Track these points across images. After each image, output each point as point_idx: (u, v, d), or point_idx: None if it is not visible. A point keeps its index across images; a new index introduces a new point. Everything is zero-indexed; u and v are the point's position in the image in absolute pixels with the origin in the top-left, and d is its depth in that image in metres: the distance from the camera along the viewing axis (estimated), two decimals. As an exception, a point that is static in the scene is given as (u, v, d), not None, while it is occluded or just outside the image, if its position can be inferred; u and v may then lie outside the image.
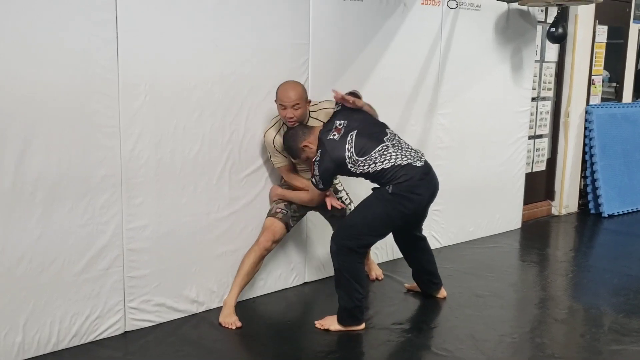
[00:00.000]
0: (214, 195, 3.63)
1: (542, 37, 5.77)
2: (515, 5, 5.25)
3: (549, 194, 6.37)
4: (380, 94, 4.38)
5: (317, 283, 4.22)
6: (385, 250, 4.69)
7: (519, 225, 5.76)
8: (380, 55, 4.38)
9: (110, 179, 3.20)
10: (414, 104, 4.66)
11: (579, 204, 6.56)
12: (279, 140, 3.61)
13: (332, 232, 3.64)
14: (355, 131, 3.44)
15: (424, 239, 3.93)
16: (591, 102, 6.44)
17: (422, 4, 4.57)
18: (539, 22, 5.61)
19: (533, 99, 5.77)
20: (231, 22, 3.55)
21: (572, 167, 6.37)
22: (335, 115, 3.59)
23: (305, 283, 4.21)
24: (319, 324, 3.50)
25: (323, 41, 4.01)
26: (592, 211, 6.41)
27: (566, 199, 6.40)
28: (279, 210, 3.69)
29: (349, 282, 3.40)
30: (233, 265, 3.75)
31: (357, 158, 3.40)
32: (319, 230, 4.20)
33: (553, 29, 5.40)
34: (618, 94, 6.97)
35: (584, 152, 6.38)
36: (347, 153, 3.41)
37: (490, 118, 5.25)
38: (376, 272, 4.35)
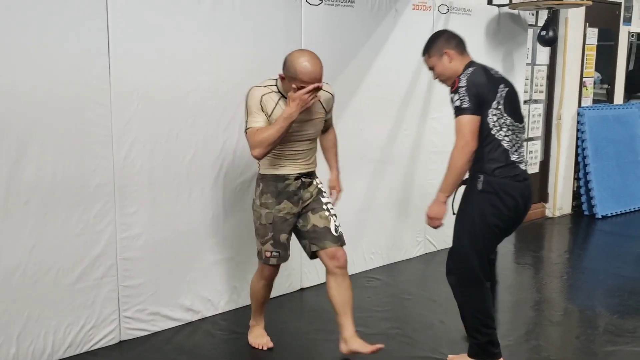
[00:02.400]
0: (208, 203, 3.62)
1: (533, 40, 5.80)
2: (505, 9, 5.27)
3: (543, 196, 6.39)
4: (373, 99, 4.40)
5: (314, 289, 4.22)
6: (380, 255, 4.70)
7: (513, 227, 5.76)
8: (372, 61, 4.39)
9: (104, 188, 3.19)
10: (406, 109, 4.67)
11: (572, 205, 6.58)
12: (266, 100, 2.92)
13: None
14: (508, 88, 2.93)
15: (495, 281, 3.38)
16: (583, 104, 6.47)
17: (414, 9, 4.59)
18: (530, 25, 5.64)
19: (525, 102, 5.79)
20: (224, 29, 3.55)
21: (565, 169, 6.39)
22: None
23: (302, 289, 4.20)
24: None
25: (315, 48, 3.98)
26: (586, 213, 6.44)
27: (560, 200, 6.42)
28: (268, 254, 3.12)
29: (475, 318, 3.00)
30: (228, 273, 3.75)
31: (503, 112, 2.87)
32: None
33: (544, 32, 5.44)
34: (609, 96, 7.01)
35: (577, 154, 6.41)
36: (498, 94, 2.86)
37: (483, 121, 5.26)
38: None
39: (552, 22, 5.57)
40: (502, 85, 2.89)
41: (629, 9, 6.76)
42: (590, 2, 5.29)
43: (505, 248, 5.34)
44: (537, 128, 6.13)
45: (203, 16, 3.45)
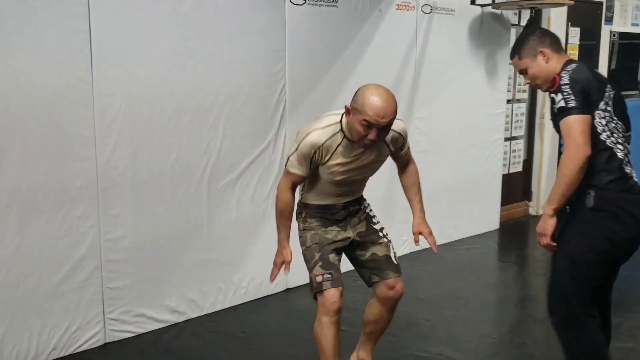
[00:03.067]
0: (192, 204, 3.61)
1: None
2: (488, 9, 5.30)
3: (526, 195, 6.44)
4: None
5: (300, 289, 4.22)
6: (365, 254, 4.70)
7: (497, 226, 5.80)
8: (356, 61, 4.40)
9: (87, 190, 3.18)
10: (390, 109, 4.68)
11: (556, 203, 6.62)
12: (328, 146, 2.60)
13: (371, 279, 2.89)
14: (614, 91, 2.56)
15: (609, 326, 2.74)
16: (565, 103, 6.52)
17: (397, 9, 4.61)
18: (513, 25, 5.67)
19: (508, 101, 5.83)
20: (207, 29, 3.54)
21: (549, 168, 6.43)
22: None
23: (288, 289, 4.20)
24: None
25: (299, 48, 4.02)
26: (568, 210, 6.47)
27: (543, 198, 6.46)
28: (320, 278, 2.69)
29: None
30: (213, 273, 3.74)
31: (612, 114, 2.49)
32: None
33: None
34: (592, 95, 7.07)
35: (560, 152, 6.45)
36: (606, 94, 2.49)
37: (467, 121, 5.30)
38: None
39: (535, 21, 5.61)
40: (609, 86, 2.52)
41: (610, 8, 6.82)
42: (572, 2, 5.34)
43: (489, 247, 5.37)
44: (520, 127, 6.17)
45: (185, 16, 3.44)
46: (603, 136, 2.44)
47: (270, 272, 2.81)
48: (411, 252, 5.02)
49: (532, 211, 6.44)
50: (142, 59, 3.30)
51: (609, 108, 2.47)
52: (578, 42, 6.48)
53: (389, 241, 2.91)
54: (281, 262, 2.81)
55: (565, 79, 2.43)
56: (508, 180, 5.99)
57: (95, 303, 3.28)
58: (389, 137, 2.68)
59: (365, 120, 2.44)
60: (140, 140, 3.34)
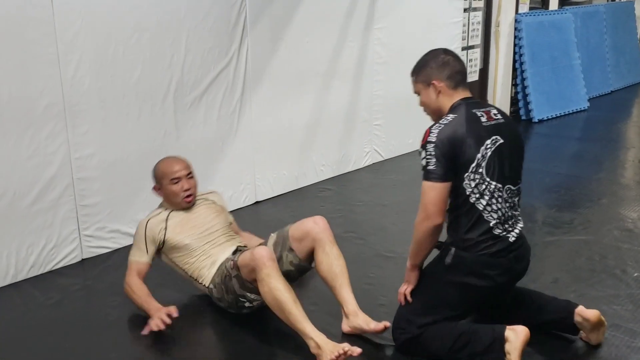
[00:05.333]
0: (159, 121, 3.62)
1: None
2: None
3: (483, 103, 6.58)
4: (315, 12, 4.40)
5: (268, 201, 4.33)
6: (330, 166, 4.81)
7: (455, 134, 5.95)
8: (314, -29, 4.36)
9: (53, 108, 3.16)
10: (350, 20, 4.69)
11: (510, 111, 6.82)
12: (167, 232, 2.82)
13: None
14: (502, 141, 2.37)
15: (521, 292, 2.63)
16: (520, 11, 6.60)
17: None
18: None
19: (465, 10, 5.87)
20: (163, -60, 3.46)
21: (504, 76, 6.58)
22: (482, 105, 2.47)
23: (257, 202, 4.30)
24: None
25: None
26: (523, 117, 6.69)
27: (498, 106, 6.62)
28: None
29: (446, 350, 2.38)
30: (184, 188, 3.79)
31: (485, 176, 2.33)
32: (267, 152, 4.28)
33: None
34: (545, 2, 7.15)
35: (514, 61, 6.58)
36: (479, 155, 2.31)
37: (425, 31, 5.33)
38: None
39: None
40: (492, 138, 2.33)
41: None
42: None
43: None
44: (476, 36, 6.24)
45: None
46: (472, 198, 2.32)
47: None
48: (373, 163, 5.17)
49: (488, 119, 6.60)
50: (100, -27, 3.22)
51: (480, 169, 2.30)
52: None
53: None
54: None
55: (433, 137, 2.27)
56: (465, 90, 6.10)
57: (70, 220, 3.33)
58: (214, 196, 3.07)
59: (171, 179, 2.83)
60: (103, 57, 3.30)
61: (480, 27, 6.28)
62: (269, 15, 4.06)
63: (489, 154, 2.32)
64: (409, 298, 2.47)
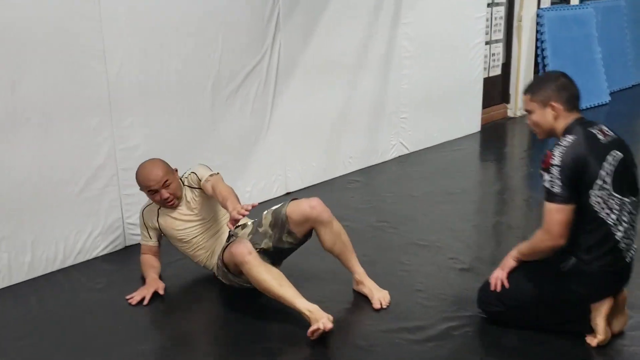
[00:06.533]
0: (197, 115, 3.74)
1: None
2: None
3: (505, 97, 6.66)
4: (344, 7, 4.49)
5: (298, 192, 4.44)
6: (358, 159, 4.91)
7: (478, 128, 6.05)
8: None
9: (99, 102, 3.28)
10: (379, 14, 4.78)
11: (532, 105, 6.86)
12: (163, 222, 3.06)
13: None
14: (622, 155, 2.42)
15: None
16: (542, 6, 6.66)
17: None
18: None
19: (488, 5, 5.94)
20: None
21: (526, 70, 6.63)
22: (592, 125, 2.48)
23: (288, 193, 4.42)
24: None
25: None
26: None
27: (521, 101, 6.69)
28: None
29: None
30: (227, 178, 3.91)
31: (612, 191, 2.37)
32: (297, 144, 4.40)
33: None
34: (566, -3, 7.20)
35: (537, 55, 6.64)
36: (603, 172, 2.36)
37: (450, 25, 5.42)
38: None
39: None
40: (612, 154, 2.39)
41: None
42: None
43: (472, 148, 5.63)
44: (499, 31, 6.31)
45: None
46: (602, 214, 2.36)
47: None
48: (399, 156, 5.26)
49: (510, 113, 6.69)
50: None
51: (607, 186, 2.35)
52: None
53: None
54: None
55: (557, 160, 2.33)
56: (487, 84, 6.18)
57: (115, 209, 3.46)
58: (194, 178, 3.07)
59: (148, 190, 2.98)
60: (146, 53, 3.42)
61: (502, 21, 6.34)
62: (300, 10, 4.17)
63: (612, 169, 2.36)
64: (505, 284, 2.57)
